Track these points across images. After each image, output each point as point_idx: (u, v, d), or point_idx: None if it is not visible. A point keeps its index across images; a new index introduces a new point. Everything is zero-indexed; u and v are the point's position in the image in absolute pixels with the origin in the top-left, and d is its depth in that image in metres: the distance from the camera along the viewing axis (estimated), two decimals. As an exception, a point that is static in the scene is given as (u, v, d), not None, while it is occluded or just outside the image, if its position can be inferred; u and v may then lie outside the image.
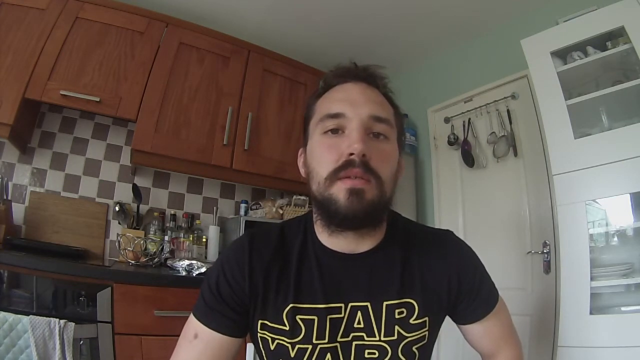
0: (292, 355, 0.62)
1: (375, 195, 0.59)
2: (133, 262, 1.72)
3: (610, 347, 1.20)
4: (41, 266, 1.31)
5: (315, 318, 0.62)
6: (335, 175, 0.59)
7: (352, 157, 0.58)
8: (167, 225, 2.05)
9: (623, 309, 1.26)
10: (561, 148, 1.41)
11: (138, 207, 1.98)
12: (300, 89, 2.25)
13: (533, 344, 1.71)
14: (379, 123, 0.63)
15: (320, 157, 0.62)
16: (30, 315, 1.19)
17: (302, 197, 2.16)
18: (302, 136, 0.71)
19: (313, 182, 0.63)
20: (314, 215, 0.68)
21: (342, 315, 0.63)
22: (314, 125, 0.66)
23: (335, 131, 0.62)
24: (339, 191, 0.59)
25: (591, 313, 1.25)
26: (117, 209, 1.93)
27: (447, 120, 2.32)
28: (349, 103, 0.63)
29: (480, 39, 2.22)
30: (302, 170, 0.69)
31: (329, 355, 0.62)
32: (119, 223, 1.94)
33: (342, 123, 0.62)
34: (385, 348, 0.62)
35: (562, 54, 1.50)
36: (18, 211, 1.75)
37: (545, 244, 1.76)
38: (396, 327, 0.63)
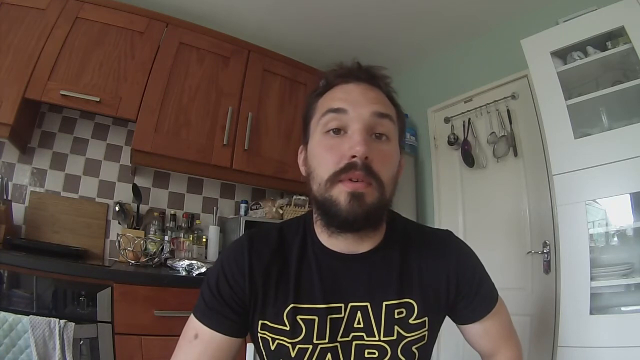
0: (293, 355, 0.62)
1: (376, 198, 0.59)
2: (133, 262, 1.72)
3: (610, 347, 1.20)
4: (41, 266, 1.31)
5: (316, 318, 0.62)
6: (336, 177, 0.59)
7: (354, 159, 0.58)
8: (167, 225, 2.04)
9: (623, 309, 1.26)
10: (561, 148, 1.41)
11: (138, 207, 1.98)
12: (300, 89, 2.25)
13: (533, 344, 1.72)
14: (382, 119, 0.63)
15: (321, 157, 0.62)
16: (30, 315, 1.19)
17: (302, 197, 2.16)
18: (302, 135, 0.70)
19: (314, 182, 0.63)
20: (314, 216, 0.67)
21: (342, 315, 0.63)
22: (315, 123, 0.66)
23: (337, 131, 0.62)
24: (340, 194, 0.58)
25: (591, 313, 1.25)
26: (117, 209, 1.93)
27: (447, 120, 2.32)
28: (350, 103, 0.62)
29: (480, 39, 2.22)
30: (302, 169, 0.69)
31: (329, 355, 0.62)
32: (119, 223, 1.94)
33: (344, 122, 0.62)
34: (385, 348, 0.62)
35: (562, 54, 1.50)
36: (18, 211, 1.75)
37: (545, 244, 1.76)
38: (396, 327, 0.63)
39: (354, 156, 0.58)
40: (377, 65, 0.68)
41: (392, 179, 0.63)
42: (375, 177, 0.59)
